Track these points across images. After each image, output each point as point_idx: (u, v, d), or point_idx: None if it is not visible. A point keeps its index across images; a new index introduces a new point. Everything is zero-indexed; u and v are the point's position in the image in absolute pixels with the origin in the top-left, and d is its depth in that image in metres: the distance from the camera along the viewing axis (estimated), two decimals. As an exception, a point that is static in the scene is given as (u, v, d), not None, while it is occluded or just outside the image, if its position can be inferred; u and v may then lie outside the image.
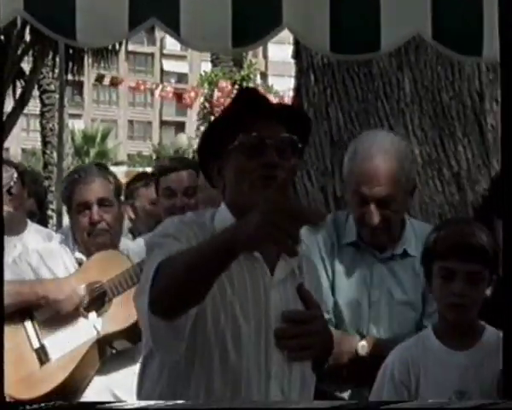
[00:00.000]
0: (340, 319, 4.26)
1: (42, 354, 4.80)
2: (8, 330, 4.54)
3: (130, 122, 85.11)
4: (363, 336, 4.24)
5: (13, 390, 4.76)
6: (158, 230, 3.30)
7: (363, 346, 4.21)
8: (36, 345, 4.84)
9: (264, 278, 3.17)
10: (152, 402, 3.05)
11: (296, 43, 5.89)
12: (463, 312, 3.86)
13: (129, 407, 2.99)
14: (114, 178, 5.25)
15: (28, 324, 4.88)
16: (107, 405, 3.00)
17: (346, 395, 4.20)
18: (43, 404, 2.68)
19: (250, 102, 3.24)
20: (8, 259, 5.00)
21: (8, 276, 4.71)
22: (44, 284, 4.84)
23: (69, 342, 4.87)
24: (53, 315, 4.88)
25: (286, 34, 4.14)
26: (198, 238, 3.09)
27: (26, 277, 4.92)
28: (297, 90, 6.19)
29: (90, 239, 4.92)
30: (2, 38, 20.49)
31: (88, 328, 4.87)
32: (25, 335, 4.86)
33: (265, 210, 2.72)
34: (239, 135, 3.14)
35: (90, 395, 4.58)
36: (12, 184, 5.21)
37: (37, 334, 4.86)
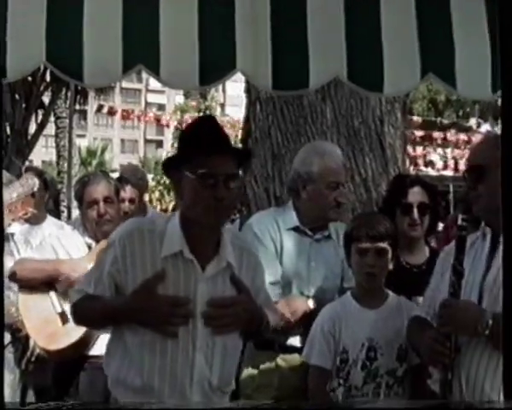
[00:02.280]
0: (288, 285, 4.22)
1: (64, 317, 4.77)
2: (37, 296, 4.85)
3: (122, 140, 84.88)
4: (307, 297, 4.21)
5: (43, 343, 4.87)
6: (116, 231, 3.44)
7: (311, 303, 4.18)
8: (58, 309, 4.83)
9: (195, 274, 3.16)
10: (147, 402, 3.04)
11: (247, 81, 5.88)
12: (374, 279, 3.90)
13: (127, 407, 2.95)
14: (114, 181, 5.31)
15: (52, 293, 4.87)
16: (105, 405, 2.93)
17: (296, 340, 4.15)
18: (42, 404, 2.60)
19: (210, 135, 3.19)
20: (35, 241, 5.24)
21: (36, 255, 4.97)
22: (64, 263, 4.81)
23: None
24: (70, 288, 4.84)
25: (239, 75, 4.13)
26: (144, 242, 3.18)
27: (49, 256, 4.90)
28: (247, 116, 6.21)
29: (97, 228, 4.93)
30: (30, 78, 20.50)
31: None
32: (50, 301, 4.86)
33: (136, 295, 3.10)
34: (198, 166, 3.10)
35: (97, 347, 4.53)
36: (35, 189, 5.18)
37: (59, 301, 4.85)
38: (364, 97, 5.69)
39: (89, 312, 3.32)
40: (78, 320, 3.51)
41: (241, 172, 3.48)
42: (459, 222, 3.45)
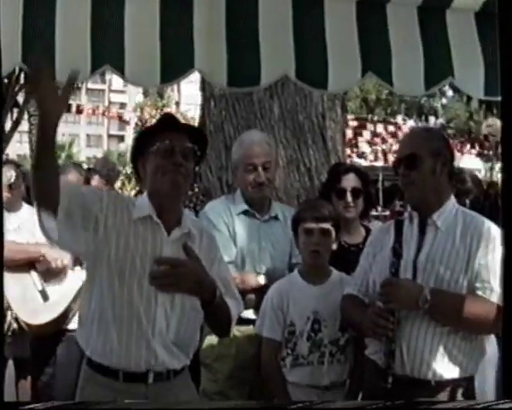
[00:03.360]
0: (242, 263, 4.21)
1: (44, 294, 4.78)
2: (19, 275, 4.79)
3: (88, 136, 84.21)
4: (258, 273, 4.21)
5: (26, 317, 4.82)
6: None
7: (262, 278, 4.17)
8: (39, 288, 4.82)
9: (161, 237, 3.13)
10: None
11: (202, 81, 5.89)
12: (318, 257, 3.88)
13: (123, 407, 2.88)
14: (83, 171, 5.42)
15: (33, 272, 4.85)
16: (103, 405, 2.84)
17: (250, 312, 4.11)
18: (41, 404, 2.50)
19: (166, 121, 3.30)
20: (13, 226, 5.07)
21: (15, 237, 4.88)
22: (43, 246, 4.73)
23: (62, 288, 4.90)
24: (48, 269, 4.88)
25: (194, 76, 4.13)
26: (122, 205, 3.18)
27: (27, 238, 4.90)
28: (202, 112, 6.19)
29: None
30: (6, 80, 20.38)
31: (75, 279, 4.82)
32: (31, 280, 4.84)
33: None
34: (158, 141, 3.13)
35: (74, 322, 4.45)
36: (12, 180, 5.12)
37: (39, 280, 4.84)
38: (308, 95, 5.73)
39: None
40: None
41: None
42: (397, 208, 3.48)
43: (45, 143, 2.79)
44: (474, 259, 3.31)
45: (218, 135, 5.81)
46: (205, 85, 5.97)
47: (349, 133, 21.34)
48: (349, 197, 4.39)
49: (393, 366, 3.29)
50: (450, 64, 4.21)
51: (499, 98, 4.46)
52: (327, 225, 3.87)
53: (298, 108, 5.75)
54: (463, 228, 3.38)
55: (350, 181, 4.43)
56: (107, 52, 3.87)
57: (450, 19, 4.24)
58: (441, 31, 4.23)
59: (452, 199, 3.53)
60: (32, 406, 2.45)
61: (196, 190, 5.07)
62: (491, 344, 3.90)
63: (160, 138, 3.14)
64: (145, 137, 3.26)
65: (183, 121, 3.70)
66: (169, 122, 3.24)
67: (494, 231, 3.36)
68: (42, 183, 2.86)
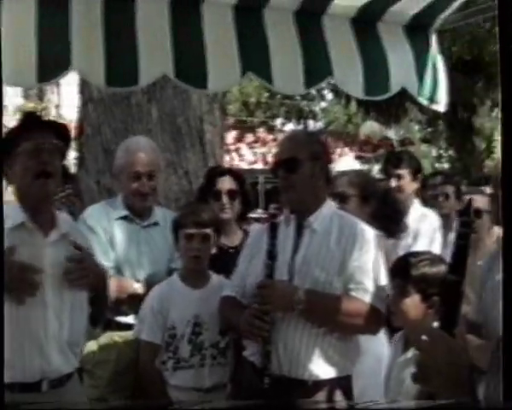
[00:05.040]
0: (121, 268, 4.19)
1: None
2: None
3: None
4: (137, 280, 4.19)
5: None
6: None
7: (139, 287, 4.16)
8: None
9: (40, 241, 3.15)
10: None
11: (81, 83, 5.82)
12: (199, 262, 3.93)
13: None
14: None
15: None
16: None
17: (130, 318, 4.12)
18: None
19: (29, 120, 3.36)
20: None
21: None
22: None
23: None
24: None
25: (74, 79, 4.09)
26: None
27: None
28: (81, 115, 6.10)
29: None
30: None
31: None
32: None
33: None
34: (22, 143, 3.12)
35: None
36: None
37: None
38: (187, 98, 5.75)
39: None
40: None
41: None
42: (271, 211, 3.53)
43: None
44: (348, 261, 3.40)
45: (95, 138, 5.76)
46: (84, 88, 5.91)
47: (230, 136, 21.42)
48: (224, 199, 4.44)
49: (270, 366, 3.35)
50: (329, 65, 4.35)
51: (378, 98, 4.70)
52: (207, 231, 3.91)
53: (176, 111, 5.76)
54: (339, 231, 3.47)
55: (225, 183, 4.49)
56: None
57: (327, 23, 4.40)
58: (318, 34, 4.38)
59: (329, 202, 3.63)
60: (32, 406, 2.42)
61: (69, 190, 4.97)
62: (380, 342, 4.03)
63: (24, 139, 3.13)
64: (9, 139, 3.20)
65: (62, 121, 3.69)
66: (32, 121, 3.27)
67: (368, 234, 3.49)
68: None
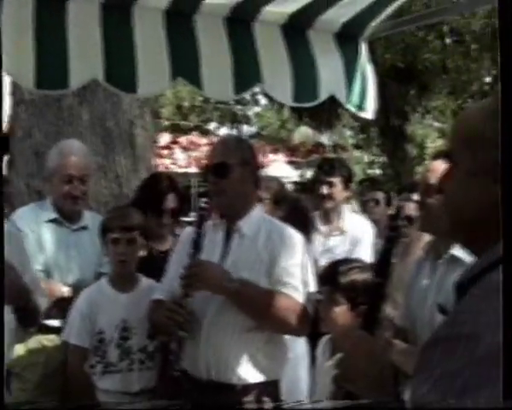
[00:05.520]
0: (50, 270, 4.19)
1: None
2: None
3: None
4: (66, 284, 4.20)
5: None
6: None
7: (68, 290, 4.16)
8: None
9: None
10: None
11: (12, 84, 5.77)
12: (126, 266, 3.93)
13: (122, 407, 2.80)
14: None
15: None
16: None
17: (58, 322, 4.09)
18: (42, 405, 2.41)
19: None
20: None
21: None
22: None
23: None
24: None
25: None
26: None
27: None
28: (11, 117, 6.02)
29: None
30: None
31: None
32: None
33: None
34: None
35: None
36: None
37: None
38: (118, 102, 5.74)
39: None
40: None
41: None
42: (201, 204, 3.54)
43: None
44: (276, 264, 3.44)
45: (26, 141, 5.72)
46: (14, 90, 5.86)
47: (163, 140, 21.34)
48: (166, 219, 4.46)
49: (178, 364, 3.39)
50: (259, 71, 4.40)
51: (306, 105, 4.77)
52: (133, 235, 3.91)
53: (107, 115, 5.76)
54: (267, 235, 3.51)
55: (170, 202, 4.47)
56: None
57: (258, 30, 4.44)
58: (248, 40, 4.42)
59: (258, 207, 3.68)
60: (33, 406, 2.37)
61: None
62: (300, 345, 4.09)
63: None
64: None
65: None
66: None
67: (296, 239, 3.53)
68: None
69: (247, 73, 4.39)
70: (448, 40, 17.44)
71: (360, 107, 4.79)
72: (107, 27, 4.03)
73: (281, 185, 5.03)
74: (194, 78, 4.28)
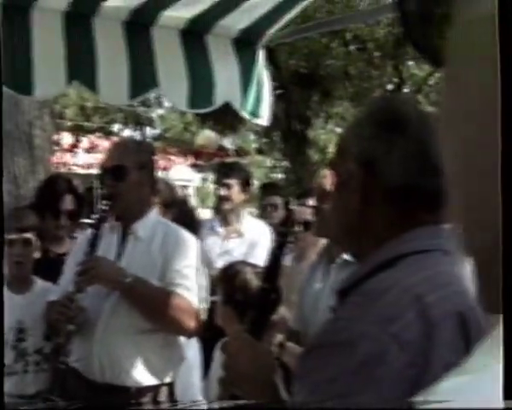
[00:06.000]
0: None
1: None
2: None
3: None
4: None
5: None
6: None
7: None
8: None
9: None
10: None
11: None
12: (21, 267, 3.90)
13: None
14: None
15: None
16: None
17: None
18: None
19: None
20: None
21: None
22: None
23: None
24: None
25: None
26: None
27: None
28: None
29: None
30: None
31: None
32: None
33: None
34: None
35: None
36: None
37: None
38: (16, 103, 5.68)
39: None
40: None
41: None
42: (102, 206, 3.56)
43: None
44: (169, 266, 3.48)
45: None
46: None
47: (65, 141, 21.10)
48: (63, 220, 4.42)
49: (92, 373, 3.41)
50: (155, 76, 4.42)
51: (201, 111, 4.81)
52: (28, 236, 3.88)
53: (5, 115, 5.70)
54: (163, 238, 3.55)
55: (67, 204, 4.43)
56: None
57: (156, 34, 4.47)
58: (146, 45, 4.44)
59: (154, 210, 3.71)
60: (32, 406, 2.31)
61: None
62: (193, 349, 4.15)
63: None
64: None
65: None
66: None
67: (190, 242, 3.59)
68: None
69: (143, 77, 4.42)
70: (351, 47, 17.71)
71: (254, 113, 4.83)
72: (4, 29, 3.99)
73: (170, 188, 5.08)
74: (89, 81, 4.29)
